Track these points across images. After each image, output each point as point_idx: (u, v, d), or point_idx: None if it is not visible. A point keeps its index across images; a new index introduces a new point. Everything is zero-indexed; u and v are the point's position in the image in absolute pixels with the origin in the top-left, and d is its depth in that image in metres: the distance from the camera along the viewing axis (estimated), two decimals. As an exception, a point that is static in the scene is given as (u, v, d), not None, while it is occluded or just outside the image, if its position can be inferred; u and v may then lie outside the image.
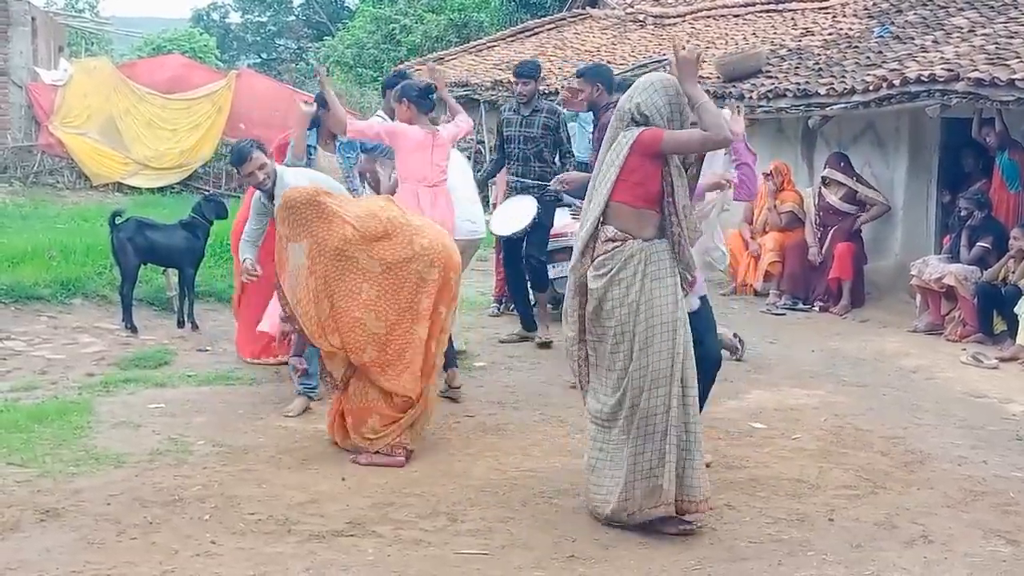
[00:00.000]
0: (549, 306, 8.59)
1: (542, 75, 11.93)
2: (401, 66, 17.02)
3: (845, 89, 10.15)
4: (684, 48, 4.80)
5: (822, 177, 10.54)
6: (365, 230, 5.45)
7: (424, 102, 6.86)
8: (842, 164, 10.46)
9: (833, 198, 10.39)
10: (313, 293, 5.44)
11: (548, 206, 8.32)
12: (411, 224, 5.60)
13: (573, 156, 8.60)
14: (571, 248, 8.83)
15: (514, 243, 8.28)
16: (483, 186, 9.78)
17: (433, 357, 5.64)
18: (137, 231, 8.57)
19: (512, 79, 8.58)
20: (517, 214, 8.19)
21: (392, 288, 5.48)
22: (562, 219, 8.81)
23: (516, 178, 8.33)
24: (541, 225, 8.23)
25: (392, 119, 7.17)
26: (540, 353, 8.11)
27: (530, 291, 8.56)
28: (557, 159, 8.43)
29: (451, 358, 6.84)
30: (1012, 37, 9.88)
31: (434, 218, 6.47)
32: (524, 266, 8.33)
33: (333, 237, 5.42)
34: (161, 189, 17.17)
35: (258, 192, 6.04)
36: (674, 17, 16.96)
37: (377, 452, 5.48)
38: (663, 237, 4.62)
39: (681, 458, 4.56)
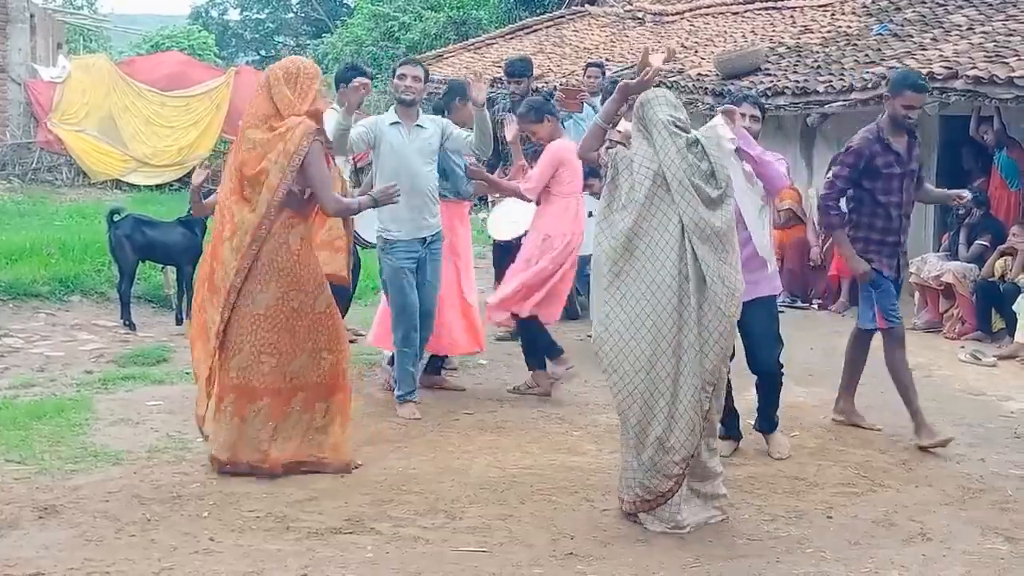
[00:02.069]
0: None
1: (540, 73, 11.84)
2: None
3: (844, 87, 10.15)
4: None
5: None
6: (234, 175, 5.09)
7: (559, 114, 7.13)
8: None
9: (839, 201, 10.39)
10: None
11: None
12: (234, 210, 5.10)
13: None
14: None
15: (507, 246, 8.24)
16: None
17: (215, 370, 5.13)
18: (135, 228, 8.59)
19: (504, 79, 8.54)
20: (515, 218, 8.14)
21: (223, 234, 5.11)
22: None
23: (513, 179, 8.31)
24: None
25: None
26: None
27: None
28: None
29: (545, 352, 6.88)
30: (1011, 35, 9.88)
31: (575, 228, 6.82)
32: None
33: (230, 158, 5.22)
34: (159, 186, 17.19)
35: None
36: (673, 14, 16.96)
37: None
38: None
39: None
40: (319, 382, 5.15)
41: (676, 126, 4.61)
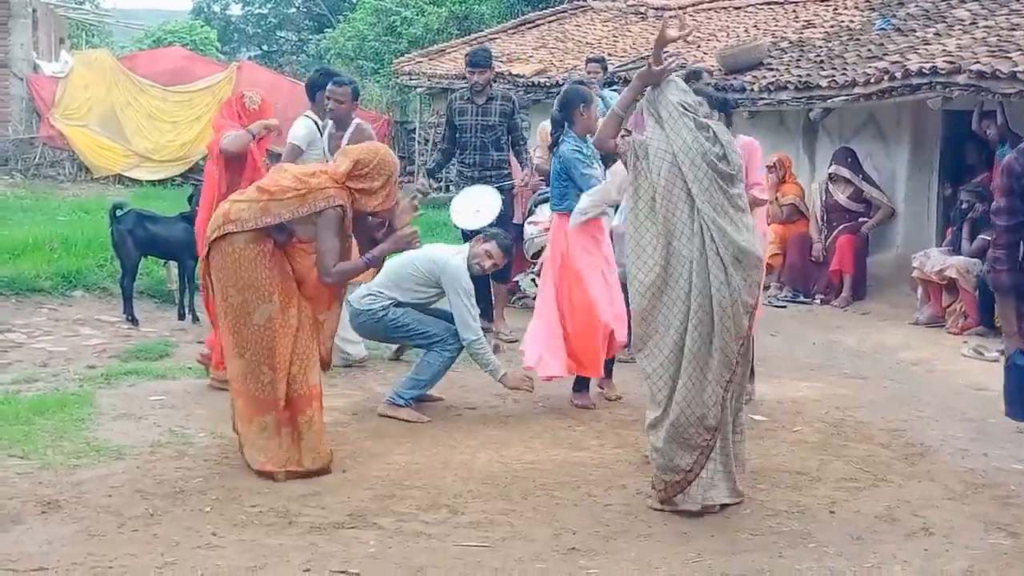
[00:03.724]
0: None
1: (543, 68, 11.82)
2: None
3: (847, 81, 10.13)
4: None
5: (829, 174, 10.51)
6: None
7: None
8: (849, 160, 10.43)
9: (840, 196, 10.38)
10: None
11: (508, 196, 8.44)
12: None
13: (525, 141, 8.75)
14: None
15: (473, 233, 8.22)
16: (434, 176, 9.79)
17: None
18: (137, 223, 8.59)
19: (467, 69, 8.65)
20: (481, 206, 8.11)
21: None
22: (545, 213, 8.75)
23: (473, 167, 8.42)
24: (503, 215, 8.26)
25: (320, 120, 7.12)
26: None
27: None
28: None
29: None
30: (1014, 29, 9.85)
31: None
32: None
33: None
34: (162, 181, 17.19)
35: None
36: (675, 9, 16.91)
37: None
38: None
39: None
40: (259, 397, 5.10)
41: (685, 108, 4.69)
